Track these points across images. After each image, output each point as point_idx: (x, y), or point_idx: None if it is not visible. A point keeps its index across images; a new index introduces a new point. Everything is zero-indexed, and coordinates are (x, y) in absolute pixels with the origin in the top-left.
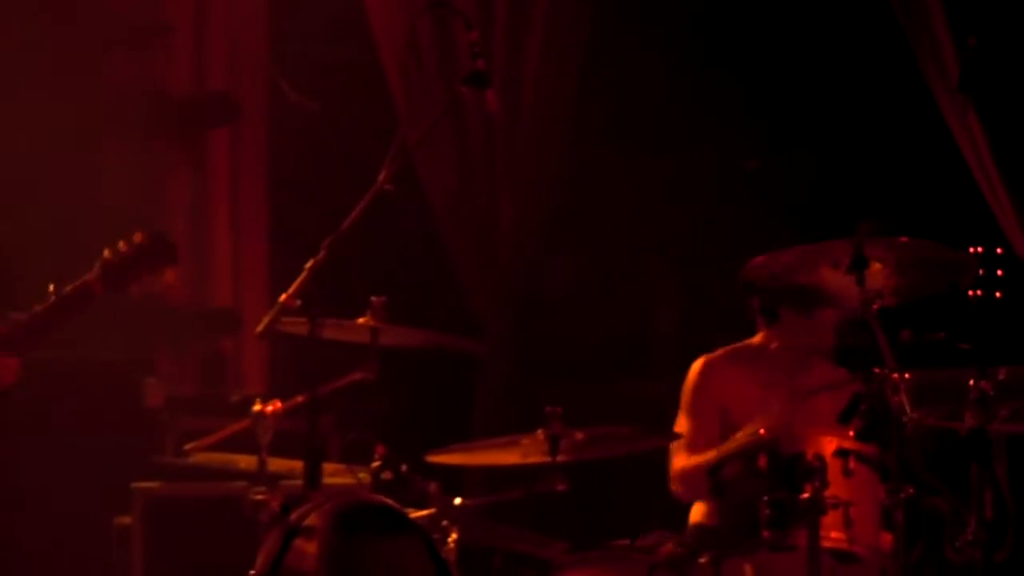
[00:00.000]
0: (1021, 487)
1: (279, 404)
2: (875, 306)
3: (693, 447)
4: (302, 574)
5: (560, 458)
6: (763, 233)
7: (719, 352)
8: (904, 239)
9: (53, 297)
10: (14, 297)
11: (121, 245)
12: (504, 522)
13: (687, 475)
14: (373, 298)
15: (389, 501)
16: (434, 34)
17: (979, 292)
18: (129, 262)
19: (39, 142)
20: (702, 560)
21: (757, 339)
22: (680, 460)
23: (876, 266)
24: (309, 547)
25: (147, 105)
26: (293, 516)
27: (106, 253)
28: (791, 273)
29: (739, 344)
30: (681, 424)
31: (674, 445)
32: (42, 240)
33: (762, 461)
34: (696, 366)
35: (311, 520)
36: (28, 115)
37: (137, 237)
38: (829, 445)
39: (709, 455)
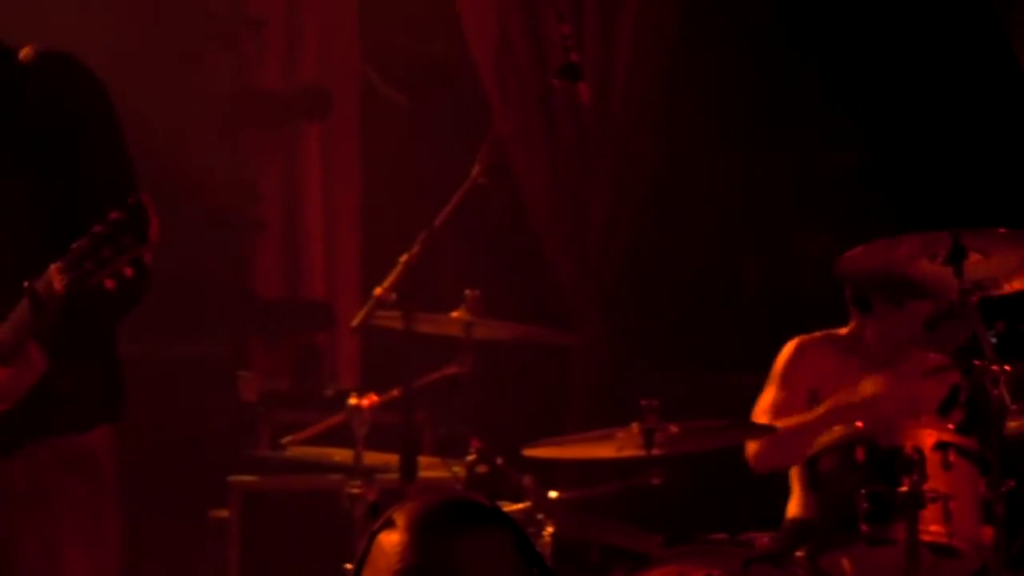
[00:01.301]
0: None
1: (374, 398)
2: (974, 298)
3: (779, 416)
4: (387, 569)
5: (655, 451)
6: (858, 226)
7: (816, 334)
8: (1002, 230)
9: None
10: None
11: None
12: (600, 516)
13: (773, 438)
14: (467, 292)
15: (477, 496)
16: (526, 27)
17: None
18: (89, 250)
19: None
20: (799, 554)
21: (847, 329)
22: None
23: (974, 257)
24: (392, 542)
25: (239, 100)
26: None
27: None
28: (886, 264)
29: (831, 331)
30: (768, 395)
31: (756, 412)
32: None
33: (860, 454)
34: (792, 344)
35: (395, 516)
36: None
37: (113, 214)
38: (928, 438)
39: (799, 418)
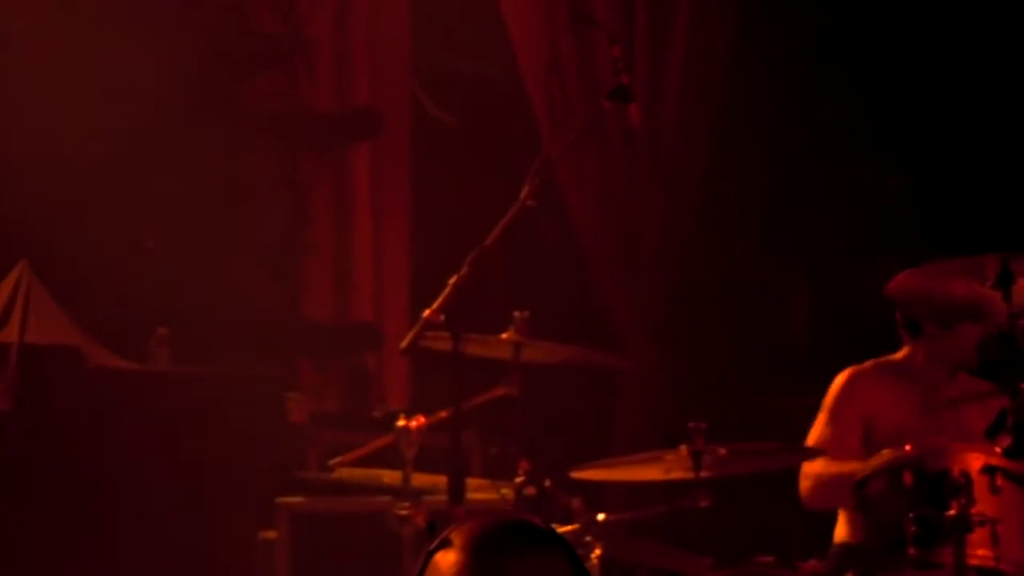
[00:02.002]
0: None
1: (423, 419)
2: (1022, 321)
3: (831, 454)
4: None
5: (703, 474)
6: (908, 249)
7: (867, 364)
8: None
9: None
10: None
11: None
12: (648, 538)
13: (822, 480)
14: (516, 313)
15: (533, 518)
16: (576, 49)
17: None
18: None
19: (186, 157)
20: None
21: (901, 354)
22: (816, 465)
23: (1023, 281)
24: (449, 562)
25: (291, 120)
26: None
27: None
28: (936, 288)
29: (885, 358)
30: (819, 430)
31: (810, 436)
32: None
33: (908, 478)
34: (843, 376)
35: (451, 536)
36: (176, 130)
37: None
38: (976, 462)
39: (851, 466)
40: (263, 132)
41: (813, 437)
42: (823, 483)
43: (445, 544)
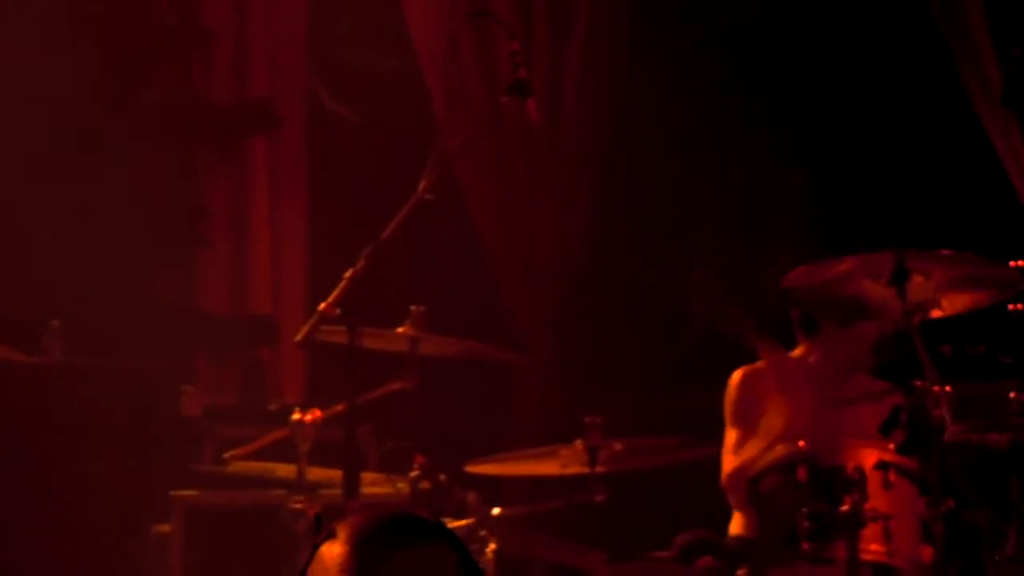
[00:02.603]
0: None
1: (318, 413)
2: (916, 319)
3: (738, 455)
4: None
5: (599, 469)
6: (805, 245)
7: (758, 364)
8: (946, 252)
9: None
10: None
11: None
12: (543, 533)
13: (731, 479)
14: (413, 307)
15: (420, 511)
16: (475, 43)
17: (1020, 306)
18: None
19: (81, 151)
20: (740, 572)
21: (797, 352)
22: (727, 465)
23: (918, 279)
24: (333, 554)
25: (187, 113)
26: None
27: None
28: (832, 285)
29: (778, 356)
30: (728, 436)
31: (724, 452)
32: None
33: (801, 473)
34: (735, 378)
35: (337, 528)
36: (70, 124)
37: None
38: (869, 457)
39: (749, 453)
40: (159, 124)
41: (727, 445)
42: (731, 481)
43: (330, 537)
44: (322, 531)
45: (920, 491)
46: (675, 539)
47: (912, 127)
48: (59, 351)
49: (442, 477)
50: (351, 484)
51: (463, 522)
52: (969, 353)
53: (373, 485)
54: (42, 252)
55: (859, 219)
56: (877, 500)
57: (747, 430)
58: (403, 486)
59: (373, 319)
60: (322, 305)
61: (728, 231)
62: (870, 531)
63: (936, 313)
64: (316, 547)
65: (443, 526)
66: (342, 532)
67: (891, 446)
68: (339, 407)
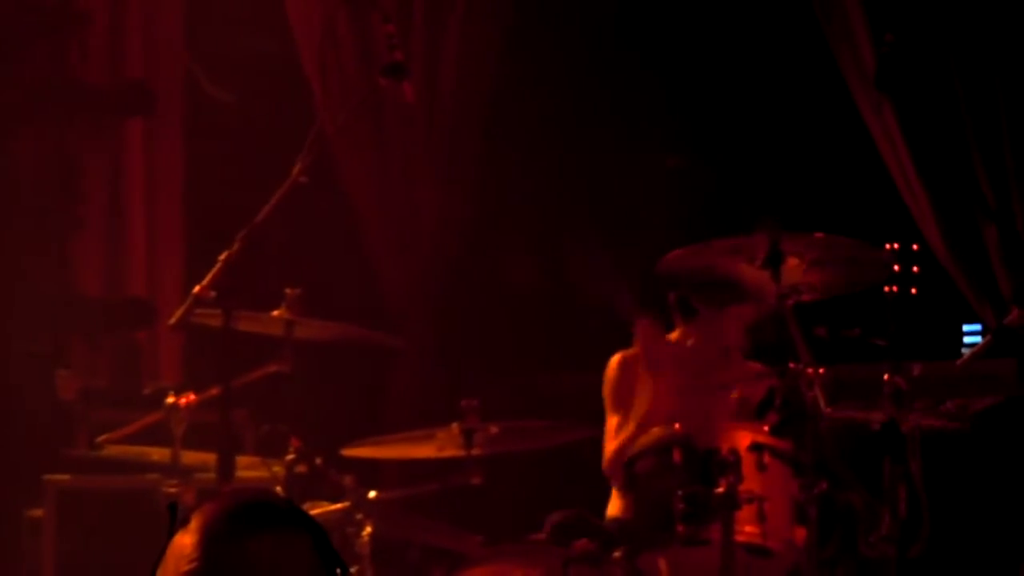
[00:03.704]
0: (934, 483)
1: (193, 396)
2: (790, 301)
3: (617, 439)
4: (175, 571)
5: (475, 452)
6: (681, 228)
7: (635, 348)
8: (820, 235)
9: None
10: None
11: None
12: (420, 516)
13: (610, 462)
14: (288, 290)
15: (275, 496)
16: (352, 25)
17: (894, 288)
18: None
19: None
20: (616, 554)
21: (674, 335)
22: (610, 447)
23: (792, 261)
24: (183, 544)
25: (61, 94)
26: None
27: None
28: (707, 268)
29: (654, 339)
30: (609, 421)
31: (605, 439)
32: None
33: (676, 455)
34: (613, 363)
35: (192, 516)
36: None
37: None
38: (744, 439)
39: (624, 437)
40: (33, 105)
41: (608, 429)
42: (610, 463)
43: (183, 525)
44: (177, 519)
45: (794, 473)
46: (548, 519)
47: (788, 110)
48: None
49: (318, 460)
50: (226, 468)
51: (339, 505)
52: (844, 335)
53: (249, 469)
54: None
55: (734, 202)
56: (751, 482)
57: (626, 414)
58: (279, 469)
59: (248, 302)
60: (196, 288)
61: (605, 214)
62: (745, 513)
63: (810, 296)
64: (170, 536)
65: (298, 511)
66: (194, 521)
67: (765, 428)
68: (214, 390)
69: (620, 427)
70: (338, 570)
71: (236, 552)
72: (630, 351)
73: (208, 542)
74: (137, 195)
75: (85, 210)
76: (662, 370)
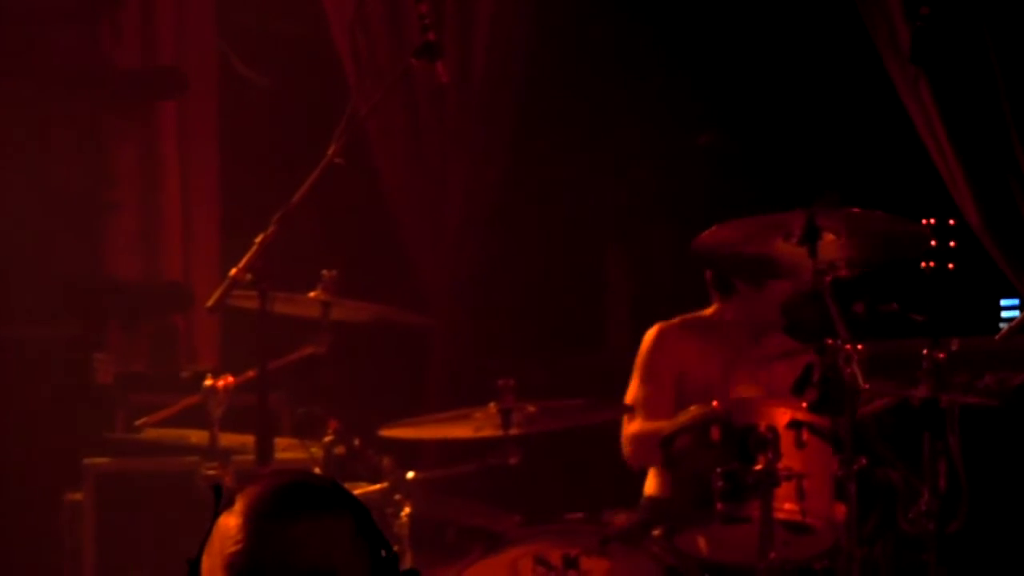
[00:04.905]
0: (973, 458)
1: (230, 379)
2: (828, 278)
3: (646, 412)
4: (221, 552)
5: (512, 431)
6: (717, 206)
7: (675, 320)
8: (856, 210)
9: None
10: None
11: None
12: (457, 496)
13: (639, 440)
14: (324, 272)
15: (319, 478)
16: (384, 6)
17: (932, 264)
18: None
19: None
20: (655, 532)
21: (710, 311)
22: (634, 425)
23: (829, 237)
24: (228, 525)
25: (94, 78)
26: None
27: None
28: (744, 245)
29: (693, 315)
30: (634, 390)
31: (627, 397)
32: None
33: (715, 433)
34: (651, 333)
35: (235, 497)
36: None
37: None
38: (782, 417)
39: (663, 424)
40: (66, 89)
41: (630, 396)
42: (640, 442)
43: (228, 506)
44: (221, 501)
45: (833, 449)
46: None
47: (823, 85)
48: None
49: (356, 442)
50: (264, 450)
51: (378, 486)
52: (881, 311)
53: (286, 451)
54: None
55: (771, 179)
56: (790, 459)
57: (657, 388)
58: (317, 451)
59: (284, 284)
60: (233, 270)
61: (640, 193)
62: (784, 490)
63: (847, 272)
64: (215, 518)
65: (342, 492)
66: (239, 503)
67: (804, 405)
68: (251, 372)
69: (647, 400)
70: (382, 550)
71: (281, 533)
72: (669, 323)
73: (253, 524)
74: (172, 179)
75: (119, 194)
76: (706, 347)
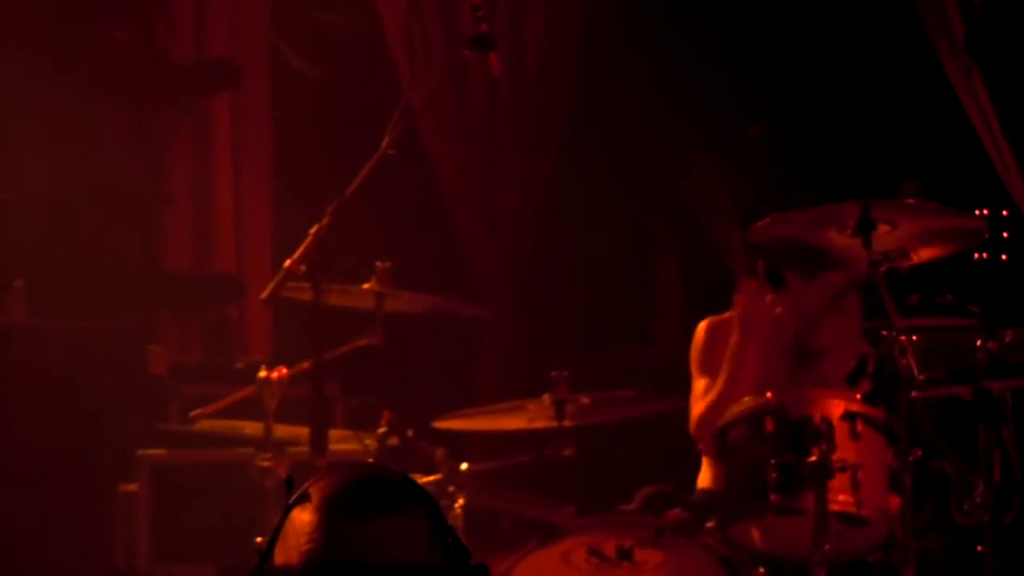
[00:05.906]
0: None
1: (285, 370)
2: (882, 268)
3: (705, 399)
4: (296, 548)
5: (566, 423)
6: (769, 196)
7: (724, 315)
8: (910, 201)
9: None
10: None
11: None
12: (511, 487)
13: (699, 426)
14: (378, 263)
15: (391, 473)
16: None
17: (985, 255)
18: None
19: (39, 113)
20: (709, 524)
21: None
22: (697, 409)
23: (883, 228)
24: (303, 521)
25: (148, 71)
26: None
27: None
28: (797, 236)
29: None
30: (696, 385)
31: (692, 399)
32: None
33: (769, 424)
34: (702, 327)
35: (309, 491)
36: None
37: None
38: (836, 408)
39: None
40: (119, 83)
41: (695, 393)
42: (701, 423)
43: (303, 500)
44: (293, 493)
45: (887, 441)
46: (636, 492)
47: (876, 77)
48: (23, 312)
49: (409, 433)
50: (318, 441)
51: (431, 478)
52: (936, 302)
53: (340, 442)
54: (3, 213)
55: (824, 170)
56: (845, 450)
57: (714, 378)
58: (370, 442)
59: (339, 275)
60: (287, 262)
61: (692, 184)
62: (838, 482)
63: (900, 263)
64: (289, 509)
65: (412, 485)
66: (314, 497)
67: (858, 396)
68: (305, 364)
69: (708, 390)
70: (450, 539)
71: (356, 531)
72: (718, 317)
73: (329, 520)
74: (225, 171)
75: (173, 186)
76: (756, 334)
